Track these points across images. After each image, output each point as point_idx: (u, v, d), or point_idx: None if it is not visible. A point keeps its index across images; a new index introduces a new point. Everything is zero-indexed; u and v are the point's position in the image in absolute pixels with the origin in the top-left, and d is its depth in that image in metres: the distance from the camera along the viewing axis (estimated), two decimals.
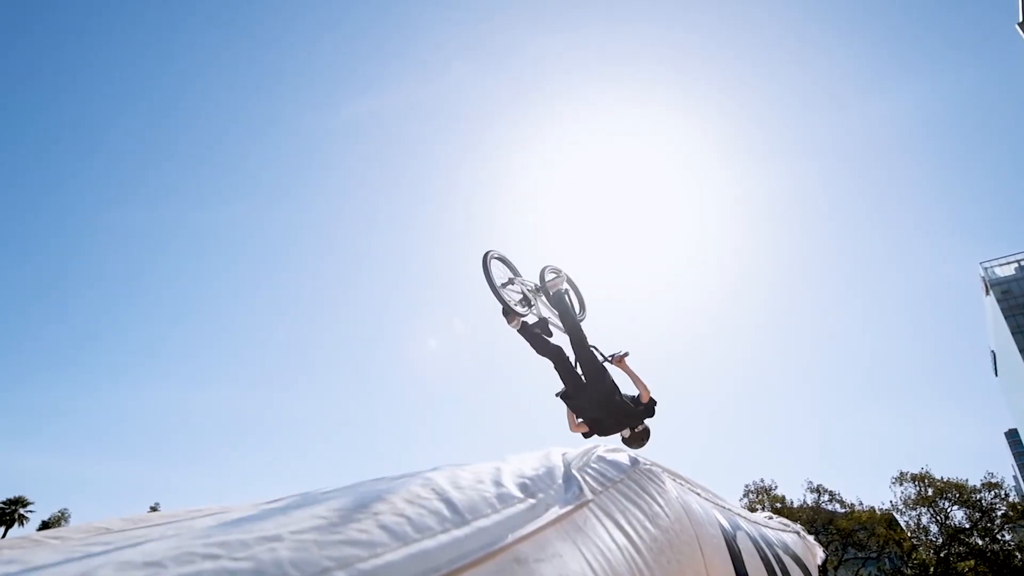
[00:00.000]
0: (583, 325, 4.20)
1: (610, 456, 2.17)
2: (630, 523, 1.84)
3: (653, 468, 2.25)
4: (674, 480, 2.42)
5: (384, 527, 1.33)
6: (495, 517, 1.52)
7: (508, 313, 4.06)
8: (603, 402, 3.80)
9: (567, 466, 1.98)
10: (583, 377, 3.90)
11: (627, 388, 4.03)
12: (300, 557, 1.14)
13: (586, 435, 3.87)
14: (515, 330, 4.05)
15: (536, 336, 4.08)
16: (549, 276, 4.55)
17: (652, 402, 3.90)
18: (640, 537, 1.82)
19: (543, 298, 4.48)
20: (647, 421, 3.97)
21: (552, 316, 4.36)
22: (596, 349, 4.05)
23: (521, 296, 4.35)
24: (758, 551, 3.02)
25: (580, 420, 3.86)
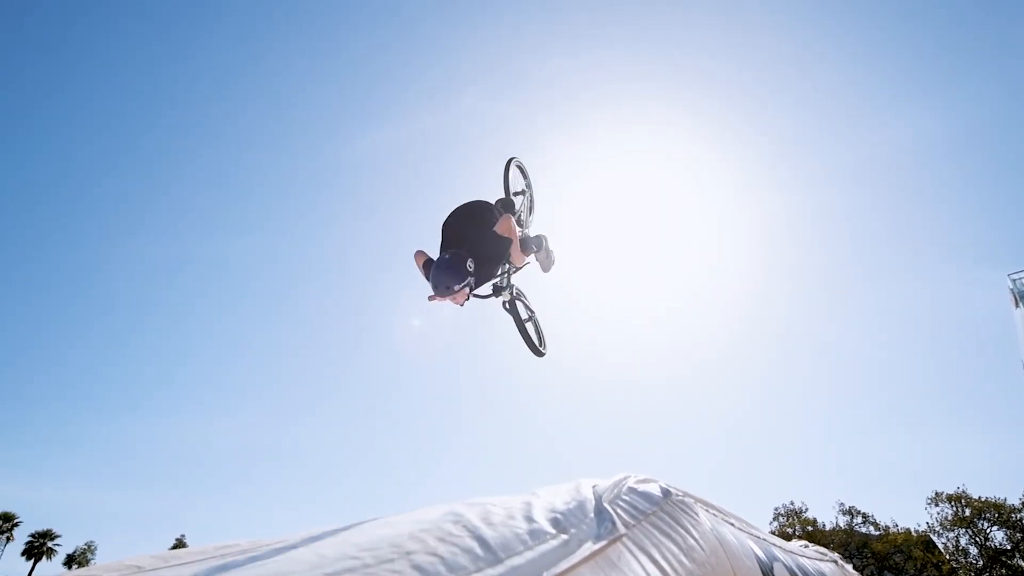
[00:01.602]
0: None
1: (641, 487, 2.13)
2: (665, 558, 1.80)
3: (686, 499, 2.20)
4: (707, 510, 2.36)
5: (417, 567, 1.31)
6: (528, 555, 1.50)
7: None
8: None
9: (598, 499, 1.95)
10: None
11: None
12: None
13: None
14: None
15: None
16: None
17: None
18: (676, 572, 1.78)
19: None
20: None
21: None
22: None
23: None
24: None
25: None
